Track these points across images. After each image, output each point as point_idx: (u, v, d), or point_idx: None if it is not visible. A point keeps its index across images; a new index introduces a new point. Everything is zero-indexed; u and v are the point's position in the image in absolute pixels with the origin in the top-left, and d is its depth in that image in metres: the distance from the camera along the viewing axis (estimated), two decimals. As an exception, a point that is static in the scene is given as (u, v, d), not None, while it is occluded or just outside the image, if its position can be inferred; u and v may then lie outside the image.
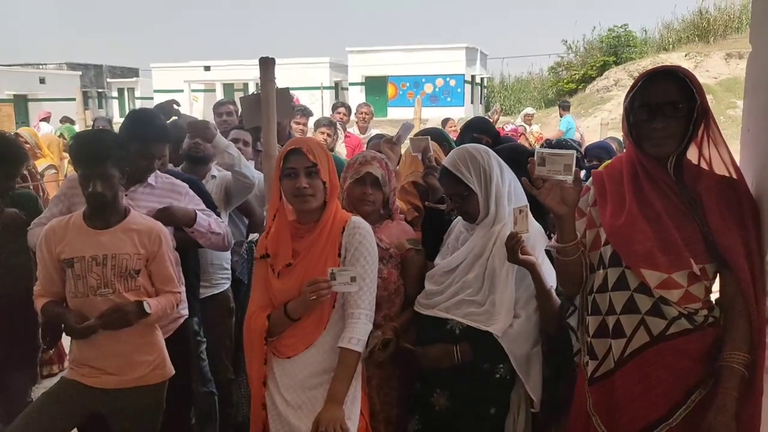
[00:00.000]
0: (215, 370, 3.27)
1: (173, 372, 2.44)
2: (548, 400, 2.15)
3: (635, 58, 28.32)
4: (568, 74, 31.69)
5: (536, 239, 2.21)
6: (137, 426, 2.39)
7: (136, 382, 2.32)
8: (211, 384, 3.18)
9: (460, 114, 24.93)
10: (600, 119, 17.99)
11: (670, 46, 29.11)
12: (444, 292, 2.27)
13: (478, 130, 3.49)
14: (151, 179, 2.74)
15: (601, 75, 28.05)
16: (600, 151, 4.15)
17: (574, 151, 1.78)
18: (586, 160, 4.18)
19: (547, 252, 2.14)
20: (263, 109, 2.87)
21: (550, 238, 2.19)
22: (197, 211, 2.72)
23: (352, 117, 6.89)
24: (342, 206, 2.42)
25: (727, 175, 1.78)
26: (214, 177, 3.39)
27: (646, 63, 26.00)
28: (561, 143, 4.28)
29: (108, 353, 2.30)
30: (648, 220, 1.76)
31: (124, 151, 2.34)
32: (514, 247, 2.04)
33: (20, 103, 29.18)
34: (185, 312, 2.75)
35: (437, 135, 3.29)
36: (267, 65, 2.90)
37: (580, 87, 29.57)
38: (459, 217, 2.40)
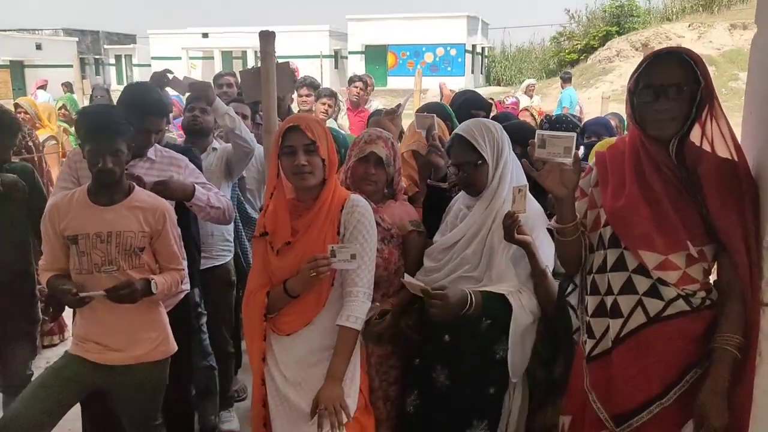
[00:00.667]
0: (215, 344, 3.29)
1: (176, 348, 2.47)
2: (545, 379, 2.18)
3: (638, 29, 28.04)
4: (570, 44, 31.42)
5: (536, 219, 2.22)
6: (140, 401, 2.43)
7: (139, 359, 2.35)
8: (211, 358, 3.20)
9: (460, 84, 24.74)
10: (602, 90, 17.88)
11: (674, 16, 28.80)
12: (442, 269, 2.29)
13: (475, 106, 3.52)
14: (150, 153, 2.73)
15: (604, 45, 27.80)
16: (599, 127, 4.12)
17: (574, 134, 1.78)
18: (585, 136, 4.17)
19: (550, 231, 2.15)
20: (263, 84, 2.85)
21: (549, 218, 2.20)
22: (196, 185, 2.71)
23: (353, 89, 6.73)
24: (345, 184, 2.43)
25: (729, 157, 1.78)
26: (215, 149, 3.38)
27: (649, 33, 25.75)
28: (560, 118, 4.26)
29: (112, 330, 2.32)
30: (647, 202, 1.77)
31: (130, 127, 2.34)
32: (510, 226, 2.04)
33: (16, 69, 28.93)
34: (187, 287, 2.77)
35: (441, 112, 3.28)
36: (267, 38, 2.87)
37: (581, 57, 29.32)
38: (459, 195, 2.40)
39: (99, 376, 2.34)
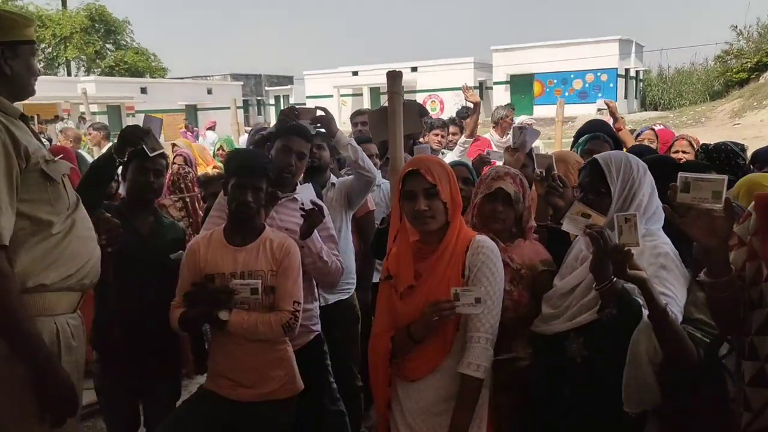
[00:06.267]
0: (343, 379, 3.26)
1: (302, 387, 2.50)
2: None
3: (820, 42, 25.12)
4: (738, 62, 28.87)
5: (673, 259, 1.97)
6: (267, 439, 2.47)
7: (267, 396, 2.41)
8: (340, 403, 3.10)
9: (612, 110, 23.54)
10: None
11: None
12: (561, 316, 2.11)
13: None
14: (298, 194, 2.72)
15: (778, 62, 25.25)
16: (773, 157, 3.63)
17: (725, 177, 1.53)
18: (755, 167, 3.70)
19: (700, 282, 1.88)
20: (390, 123, 2.84)
21: (686, 264, 1.95)
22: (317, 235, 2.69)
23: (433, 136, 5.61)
24: (472, 223, 2.35)
25: None
26: (333, 185, 3.42)
27: (835, 46, 22.95)
28: (719, 147, 3.81)
29: (243, 366, 2.40)
30: None
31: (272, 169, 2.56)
32: (621, 260, 1.76)
33: (191, 112, 32.15)
34: (317, 328, 2.80)
35: (603, 129, 3.13)
36: (394, 78, 2.89)
37: (752, 76, 26.84)
38: (578, 236, 2.20)
39: (230, 411, 2.42)
